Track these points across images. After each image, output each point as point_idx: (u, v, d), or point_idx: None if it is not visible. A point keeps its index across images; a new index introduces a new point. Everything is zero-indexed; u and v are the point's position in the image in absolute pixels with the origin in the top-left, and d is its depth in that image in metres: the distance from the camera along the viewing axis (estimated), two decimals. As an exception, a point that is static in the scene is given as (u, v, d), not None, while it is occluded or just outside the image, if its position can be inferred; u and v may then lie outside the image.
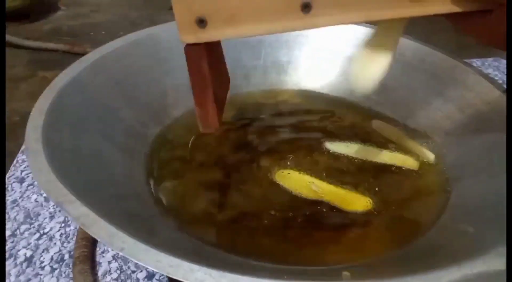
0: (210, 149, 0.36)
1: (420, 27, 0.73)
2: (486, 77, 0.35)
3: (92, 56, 0.34)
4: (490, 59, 0.63)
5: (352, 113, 0.41)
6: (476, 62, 0.63)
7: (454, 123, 0.36)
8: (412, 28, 0.67)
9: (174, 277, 0.18)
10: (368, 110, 0.41)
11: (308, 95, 0.43)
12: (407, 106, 0.40)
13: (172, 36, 0.38)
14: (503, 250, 0.20)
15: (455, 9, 0.22)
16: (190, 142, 0.36)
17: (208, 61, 0.23)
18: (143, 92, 0.36)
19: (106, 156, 0.29)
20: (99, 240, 0.19)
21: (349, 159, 0.35)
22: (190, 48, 0.23)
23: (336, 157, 0.36)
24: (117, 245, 0.19)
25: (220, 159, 0.35)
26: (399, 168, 0.35)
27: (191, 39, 0.22)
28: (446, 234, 0.28)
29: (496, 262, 0.20)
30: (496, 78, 0.58)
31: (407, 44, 0.40)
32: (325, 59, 0.43)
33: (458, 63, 0.37)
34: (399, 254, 0.27)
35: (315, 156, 0.35)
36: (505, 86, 0.33)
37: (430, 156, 0.35)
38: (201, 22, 0.21)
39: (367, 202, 0.31)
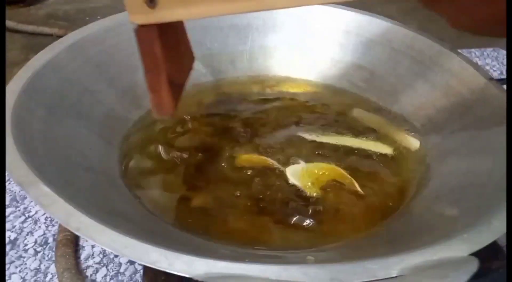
0: (191, 134, 0.36)
1: (422, 14, 0.72)
2: (472, 64, 0.34)
3: (72, 37, 0.33)
4: (489, 49, 0.62)
5: (338, 100, 0.41)
6: (475, 52, 0.62)
7: (438, 110, 0.35)
8: (413, 14, 0.66)
9: (129, 258, 0.18)
10: (355, 97, 0.41)
11: (295, 81, 0.43)
12: (393, 92, 0.39)
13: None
14: (467, 236, 0.20)
15: None
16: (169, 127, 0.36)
17: (162, 43, 0.22)
18: (126, 76, 0.36)
19: (80, 138, 0.29)
20: (56, 219, 0.19)
21: (328, 147, 0.35)
22: (141, 30, 0.21)
23: (315, 144, 0.35)
24: (73, 225, 0.19)
25: (200, 144, 0.35)
26: (377, 154, 0.34)
27: (141, 19, 0.21)
28: (423, 218, 0.28)
29: (459, 249, 0.19)
30: (494, 68, 0.58)
31: (395, 30, 0.39)
32: (313, 45, 0.43)
33: (445, 49, 0.36)
34: (371, 238, 0.27)
35: (294, 143, 0.35)
36: (490, 74, 0.33)
37: (415, 143, 0.35)
38: (151, 2, 0.20)
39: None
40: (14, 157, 0.22)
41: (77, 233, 0.18)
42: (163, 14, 0.20)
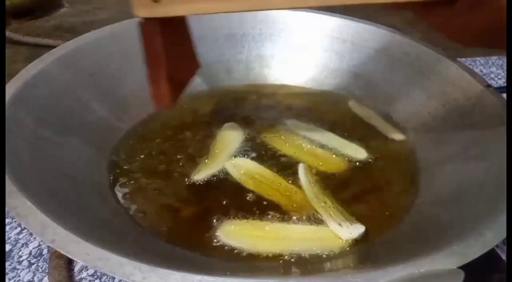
0: (183, 144, 0.35)
1: (425, 25, 0.72)
2: (469, 71, 0.33)
3: (64, 48, 0.33)
4: (494, 57, 0.61)
5: (334, 108, 0.40)
6: (480, 60, 0.61)
7: (434, 118, 0.35)
8: (417, 25, 0.65)
9: (102, 271, 0.17)
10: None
11: (291, 90, 0.42)
12: (389, 100, 0.39)
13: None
14: (457, 248, 0.19)
15: None
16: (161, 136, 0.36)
17: (164, 38, 0.23)
18: (119, 86, 0.36)
19: (69, 148, 0.29)
20: (31, 231, 0.19)
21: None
22: (145, 23, 0.22)
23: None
24: (48, 237, 0.18)
25: (192, 154, 0.34)
26: (369, 161, 0.34)
27: (145, 13, 0.22)
28: (417, 228, 0.27)
29: (447, 261, 0.19)
30: (499, 76, 0.57)
31: (391, 37, 0.39)
32: (309, 53, 0.43)
33: (442, 56, 0.36)
34: (362, 250, 0.26)
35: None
36: (487, 81, 0.32)
37: (399, 136, 0.36)
38: None
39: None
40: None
41: (51, 245, 0.18)
42: (167, 9, 0.21)
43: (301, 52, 0.43)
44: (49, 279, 0.29)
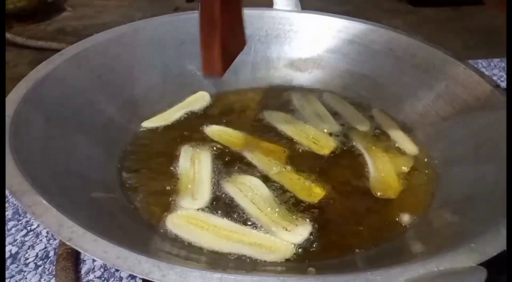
0: (192, 144, 0.35)
1: (427, 27, 0.72)
2: (477, 71, 0.34)
3: (74, 49, 0.33)
4: (496, 60, 0.62)
5: (342, 110, 0.40)
6: (482, 62, 0.61)
7: (443, 118, 0.35)
8: (419, 27, 0.65)
9: (121, 269, 0.17)
10: (359, 107, 0.40)
11: (298, 91, 0.42)
12: (397, 101, 0.39)
13: (157, 31, 0.38)
14: (475, 246, 0.19)
15: None
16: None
17: (221, 6, 0.23)
18: (127, 87, 0.36)
19: (79, 148, 0.29)
20: (47, 229, 0.19)
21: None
22: None
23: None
24: (65, 235, 0.18)
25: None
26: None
27: None
28: (432, 228, 0.27)
29: (466, 259, 0.18)
30: (501, 79, 0.57)
31: (398, 39, 0.39)
32: (316, 55, 0.43)
33: (449, 57, 0.36)
34: (377, 249, 0.26)
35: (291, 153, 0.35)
36: (496, 81, 0.32)
37: (413, 149, 0.35)
38: None
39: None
40: (9, 165, 0.22)
41: (68, 243, 0.18)
42: None
43: (308, 54, 0.43)
44: (56, 281, 0.29)
